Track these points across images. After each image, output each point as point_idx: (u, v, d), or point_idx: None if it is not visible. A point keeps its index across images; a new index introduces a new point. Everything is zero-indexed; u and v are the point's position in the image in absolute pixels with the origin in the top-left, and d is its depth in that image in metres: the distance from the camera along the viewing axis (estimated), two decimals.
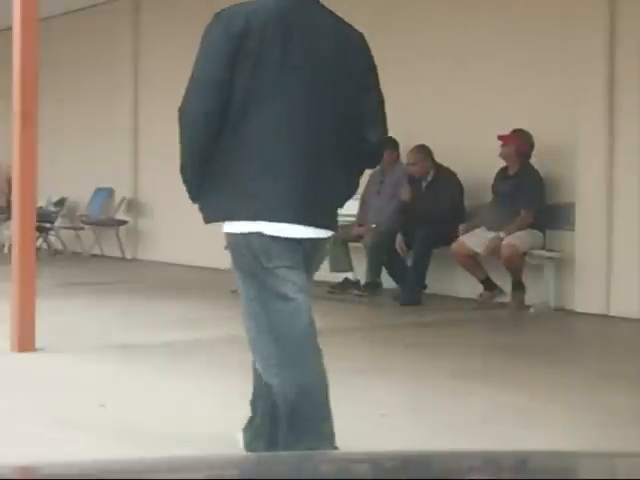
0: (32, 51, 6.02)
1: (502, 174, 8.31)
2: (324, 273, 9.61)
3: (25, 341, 5.83)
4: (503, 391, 5.08)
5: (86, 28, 13.50)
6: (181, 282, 10.22)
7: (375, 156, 3.59)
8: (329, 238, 3.57)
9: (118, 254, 12.75)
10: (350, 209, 9.46)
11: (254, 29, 3.29)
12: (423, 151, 8.68)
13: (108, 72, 13.12)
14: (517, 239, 7.89)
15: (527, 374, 5.58)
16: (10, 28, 6.10)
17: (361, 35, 3.57)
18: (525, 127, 8.10)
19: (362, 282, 8.93)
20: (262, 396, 3.60)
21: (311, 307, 3.41)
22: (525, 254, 8.01)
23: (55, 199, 13.35)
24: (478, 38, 8.82)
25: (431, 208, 8.44)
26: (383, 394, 4.98)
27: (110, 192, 13.05)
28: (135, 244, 12.90)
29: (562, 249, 8.20)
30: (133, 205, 12.93)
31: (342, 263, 9.16)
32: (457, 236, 8.27)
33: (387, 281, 8.87)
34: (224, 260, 9.74)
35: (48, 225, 12.76)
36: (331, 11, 3.48)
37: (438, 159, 8.72)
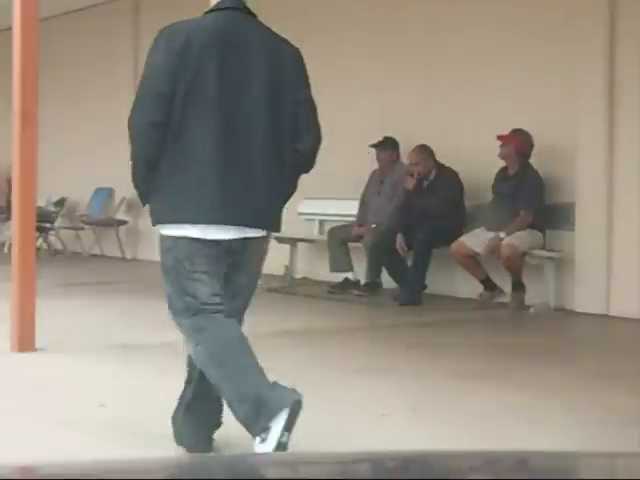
0: (32, 51, 6.02)
1: (502, 174, 8.31)
2: (324, 273, 9.65)
3: (25, 341, 5.83)
4: (503, 391, 5.09)
5: (86, 28, 13.50)
6: None
7: (308, 162, 3.84)
8: (265, 237, 3.77)
9: (118, 254, 12.75)
10: (350, 209, 9.48)
11: (194, 46, 3.54)
12: (425, 151, 8.67)
13: (108, 72, 13.12)
14: (517, 239, 7.90)
15: (527, 374, 5.58)
16: (10, 28, 6.10)
17: (296, 50, 3.80)
18: (525, 127, 8.10)
19: (362, 282, 8.93)
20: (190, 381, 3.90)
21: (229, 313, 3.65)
22: (525, 254, 8.01)
23: (55, 199, 13.35)
24: (478, 39, 8.82)
25: (431, 207, 8.44)
26: (383, 394, 4.98)
27: (110, 192, 13.05)
28: (135, 244, 12.90)
29: (562, 249, 8.20)
30: (133, 205, 12.92)
31: (342, 263, 9.16)
32: (457, 236, 8.27)
33: (387, 281, 8.88)
34: None
35: (48, 225, 12.76)
36: (268, 27, 3.75)
37: (438, 159, 8.72)
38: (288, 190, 3.92)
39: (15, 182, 6.06)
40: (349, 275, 9.11)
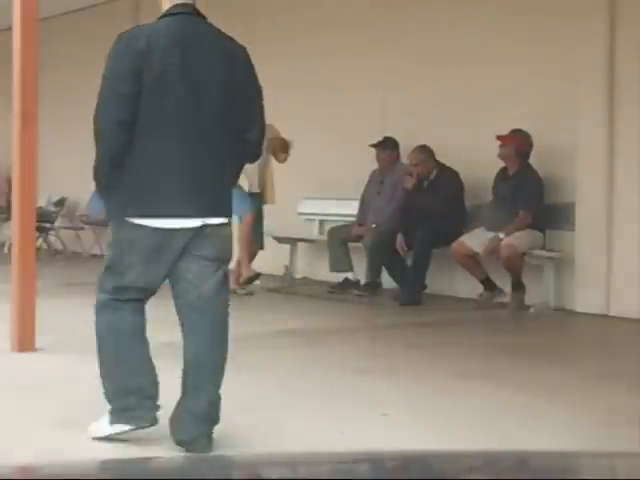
0: (32, 51, 6.02)
1: (502, 175, 8.31)
2: (324, 273, 9.65)
3: (25, 341, 5.83)
4: (503, 391, 5.09)
5: (86, 28, 13.50)
6: None
7: (254, 153, 4.14)
8: (223, 224, 3.98)
9: None
10: (350, 209, 9.48)
11: (154, 49, 3.78)
12: (425, 151, 8.66)
13: None
14: (516, 239, 7.89)
15: (527, 374, 5.58)
16: (10, 28, 6.09)
17: (244, 49, 4.02)
18: (525, 127, 8.10)
19: (362, 282, 8.93)
20: None
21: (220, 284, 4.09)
22: (524, 254, 8.00)
23: (55, 199, 13.34)
24: (479, 39, 8.82)
25: (432, 206, 8.43)
26: (383, 394, 4.98)
27: None
28: None
29: (562, 249, 8.20)
30: None
31: (342, 263, 9.16)
32: (457, 236, 8.27)
33: (387, 281, 8.88)
34: None
35: (48, 225, 12.76)
36: (218, 29, 3.98)
37: (438, 159, 8.71)
38: (232, 181, 4.17)
39: (15, 182, 6.05)
40: (349, 275, 9.11)
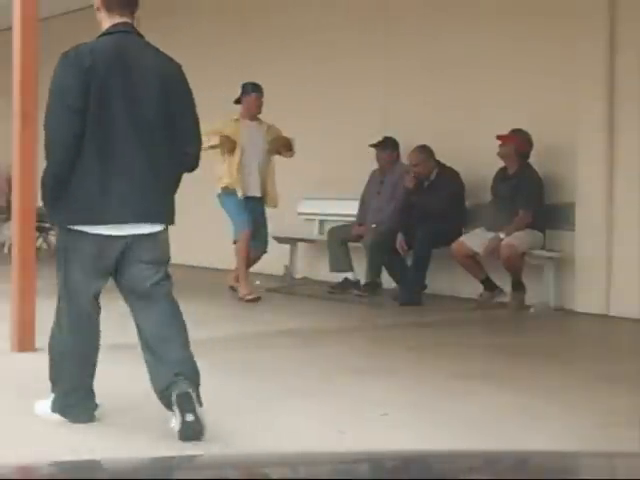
0: (32, 51, 6.02)
1: (501, 174, 8.31)
2: (324, 273, 9.65)
3: (25, 341, 5.82)
4: (503, 391, 5.09)
5: (86, 28, 13.48)
6: (181, 282, 10.17)
7: (193, 164, 4.33)
8: (161, 231, 4.24)
9: None
10: (350, 209, 9.47)
11: (98, 65, 4.07)
12: (425, 151, 8.66)
13: None
14: (516, 239, 7.89)
15: (527, 374, 5.58)
16: (10, 28, 6.09)
17: (179, 66, 4.30)
18: (525, 127, 8.10)
19: (362, 282, 8.93)
20: None
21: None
22: (524, 254, 8.00)
23: None
24: (479, 39, 8.82)
25: (432, 206, 8.43)
26: (383, 394, 4.98)
27: None
28: None
29: (562, 249, 8.20)
30: None
31: (342, 263, 9.16)
32: (457, 236, 8.26)
33: (387, 281, 8.88)
34: (224, 260, 9.76)
35: (48, 225, 12.74)
36: (155, 47, 4.27)
37: (438, 159, 8.71)
38: (174, 188, 4.37)
39: (15, 182, 6.05)
40: (349, 275, 9.10)
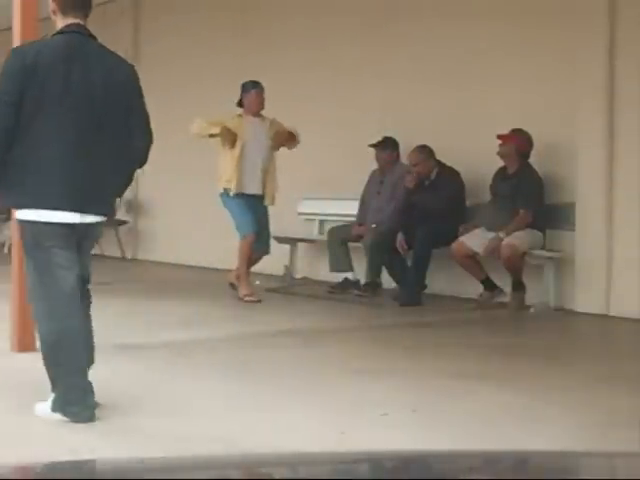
0: None
1: (501, 174, 8.31)
2: (324, 273, 9.65)
3: (25, 341, 5.82)
4: (503, 391, 5.08)
5: None
6: (181, 282, 10.22)
7: (143, 159, 4.55)
8: (100, 223, 4.52)
9: (118, 254, 12.75)
10: (350, 209, 9.48)
11: (40, 63, 4.28)
12: (425, 151, 8.66)
13: None
14: (517, 239, 7.89)
15: (527, 375, 5.58)
16: (10, 28, 6.09)
17: (131, 66, 4.58)
18: (525, 127, 8.10)
19: (362, 282, 8.93)
20: None
21: (78, 277, 4.45)
22: (525, 254, 8.00)
23: None
24: (479, 39, 8.82)
25: (432, 205, 8.43)
26: (383, 394, 4.98)
27: None
28: (135, 244, 12.90)
29: (562, 249, 8.20)
30: (133, 205, 12.93)
31: (342, 263, 9.16)
32: (457, 236, 8.26)
33: (387, 281, 8.88)
34: (224, 260, 9.76)
35: None
36: (106, 47, 4.53)
37: (438, 159, 8.71)
38: (126, 182, 4.64)
39: None
40: (349, 275, 9.10)
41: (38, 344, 5.41)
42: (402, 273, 8.63)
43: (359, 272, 9.04)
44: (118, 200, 13.31)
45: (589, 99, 7.97)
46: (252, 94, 8.51)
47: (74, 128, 4.29)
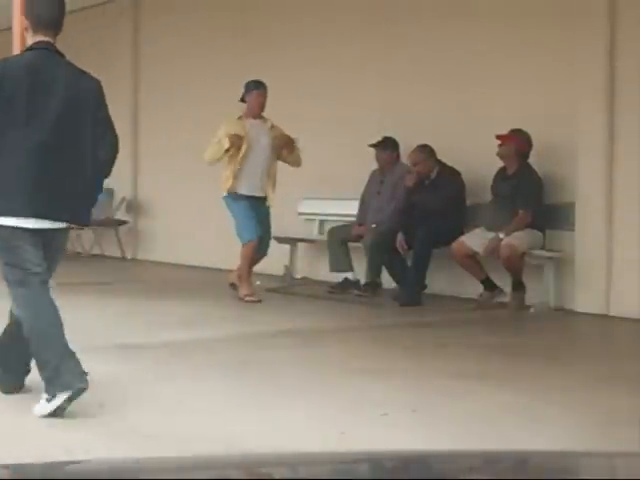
0: None
1: (501, 174, 8.31)
2: (324, 273, 9.65)
3: None
4: (503, 391, 5.08)
5: (86, 28, 13.49)
6: (181, 282, 10.22)
7: (108, 168, 4.76)
8: (66, 229, 4.74)
9: (118, 254, 12.75)
10: (350, 209, 9.47)
11: (9, 76, 4.53)
12: (425, 151, 8.66)
13: (108, 72, 13.07)
14: (516, 239, 7.89)
15: (527, 375, 5.58)
16: (10, 28, 6.10)
17: (96, 81, 4.76)
18: (525, 127, 8.11)
19: (362, 282, 8.93)
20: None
21: (47, 279, 4.67)
22: (524, 254, 8.00)
23: None
24: (479, 39, 8.82)
25: (432, 204, 8.42)
26: (383, 394, 4.98)
27: (110, 192, 13.05)
28: (135, 244, 12.90)
29: (562, 249, 8.20)
30: (133, 205, 12.93)
31: (342, 263, 9.16)
32: (457, 236, 8.26)
33: (387, 281, 8.87)
34: (224, 260, 9.76)
35: None
36: (72, 64, 4.74)
37: (440, 159, 8.71)
38: (95, 191, 4.84)
39: None
40: (349, 275, 9.10)
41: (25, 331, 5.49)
42: (402, 273, 8.63)
43: (359, 272, 9.04)
44: (117, 203, 13.34)
45: (589, 99, 7.97)
46: (253, 95, 8.49)
47: (38, 140, 4.50)
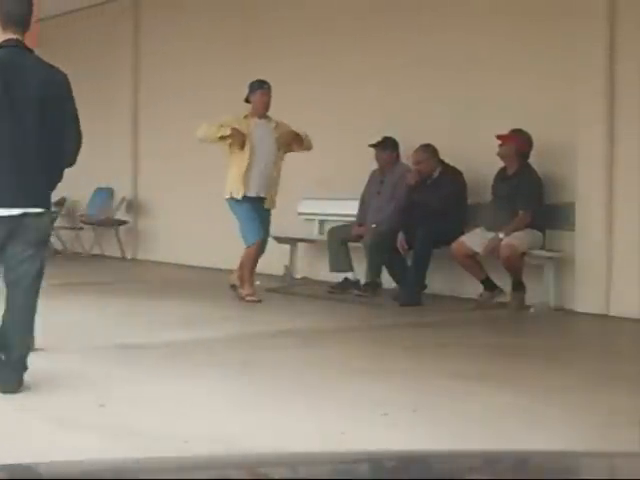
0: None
1: (501, 174, 8.31)
2: (324, 273, 9.65)
3: None
4: (503, 391, 5.08)
5: (86, 28, 13.50)
6: (181, 282, 10.22)
7: (72, 159, 5.02)
8: (42, 213, 4.88)
9: (118, 254, 12.75)
10: (350, 209, 9.47)
11: None
12: (428, 150, 8.65)
13: (108, 72, 13.12)
14: (516, 239, 7.89)
15: (527, 375, 5.58)
16: None
17: (64, 75, 4.96)
18: (525, 127, 8.10)
19: (362, 282, 8.93)
20: None
21: (36, 261, 4.82)
22: (524, 254, 8.00)
23: (55, 199, 13.32)
24: (479, 39, 8.82)
25: (433, 203, 8.42)
26: (383, 394, 4.98)
27: (110, 192, 13.06)
28: (135, 244, 12.90)
29: (562, 249, 8.20)
30: (133, 205, 12.93)
31: (342, 263, 9.16)
32: (458, 236, 8.26)
33: (387, 281, 8.87)
34: (224, 260, 9.76)
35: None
36: (41, 59, 4.95)
37: (442, 159, 8.71)
38: (57, 180, 5.02)
39: None
40: (349, 275, 9.10)
41: (36, 343, 5.45)
42: (402, 273, 8.63)
43: (359, 272, 9.03)
44: (117, 203, 13.35)
45: (589, 99, 7.97)
46: (257, 94, 8.46)
47: (11, 132, 4.73)
